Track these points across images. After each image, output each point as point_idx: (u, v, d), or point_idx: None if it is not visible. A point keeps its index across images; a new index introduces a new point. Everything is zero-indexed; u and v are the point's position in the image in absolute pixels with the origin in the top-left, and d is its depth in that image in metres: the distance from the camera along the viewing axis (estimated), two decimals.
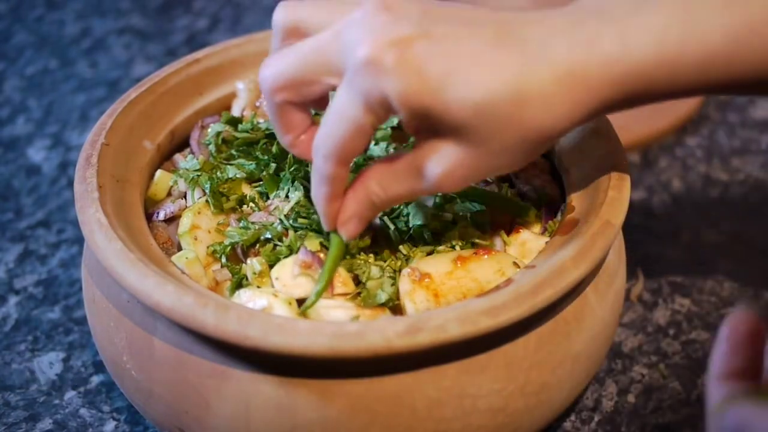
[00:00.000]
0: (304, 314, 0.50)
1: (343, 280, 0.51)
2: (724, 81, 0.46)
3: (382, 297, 0.51)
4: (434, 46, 0.43)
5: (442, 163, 0.46)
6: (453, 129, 0.44)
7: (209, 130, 0.62)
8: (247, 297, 0.51)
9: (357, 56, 0.43)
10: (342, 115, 0.45)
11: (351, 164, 0.48)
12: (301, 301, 0.51)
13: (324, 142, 0.46)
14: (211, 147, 0.61)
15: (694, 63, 0.45)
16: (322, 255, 0.52)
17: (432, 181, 0.47)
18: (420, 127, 0.45)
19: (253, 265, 0.53)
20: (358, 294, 0.52)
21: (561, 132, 0.46)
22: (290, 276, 0.52)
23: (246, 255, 0.55)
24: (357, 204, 0.49)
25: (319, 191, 0.48)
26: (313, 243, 0.52)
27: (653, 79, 0.45)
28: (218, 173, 0.58)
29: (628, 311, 0.67)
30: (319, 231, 0.54)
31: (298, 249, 0.53)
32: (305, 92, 0.48)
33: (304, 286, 0.51)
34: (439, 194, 0.56)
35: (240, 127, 0.62)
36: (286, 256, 0.53)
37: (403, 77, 0.43)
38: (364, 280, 0.52)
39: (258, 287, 0.52)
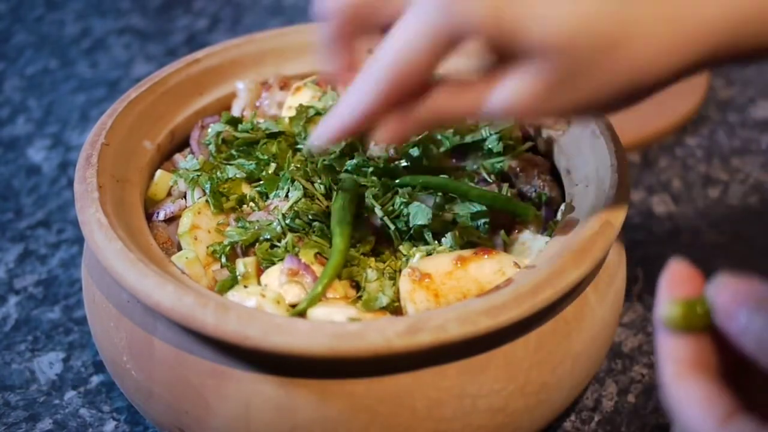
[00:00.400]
0: (303, 317, 0.50)
1: (332, 287, 0.51)
2: None
3: (384, 300, 0.51)
4: None
5: (515, 88, 0.41)
6: (539, 55, 0.40)
7: (209, 130, 0.62)
8: (236, 298, 0.51)
9: None
10: (410, 34, 0.41)
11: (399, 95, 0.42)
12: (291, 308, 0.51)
13: (384, 57, 0.41)
14: (211, 147, 0.61)
15: None
16: (314, 266, 0.52)
17: (498, 105, 0.42)
18: (497, 51, 0.41)
19: (238, 266, 0.53)
20: (359, 298, 0.52)
21: (652, 82, 0.41)
22: (278, 284, 0.52)
23: (246, 255, 0.55)
24: (402, 113, 0.43)
25: (358, 97, 0.43)
26: (307, 254, 0.52)
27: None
28: (218, 173, 0.58)
29: (628, 311, 0.67)
30: (316, 234, 0.54)
31: (296, 252, 0.53)
32: (370, 17, 0.43)
33: (292, 294, 0.51)
34: (440, 194, 0.57)
35: (240, 127, 0.62)
36: (281, 259, 0.53)
37: None
38: (363, 284, 0.52)
39: (245, 287, 0.52)
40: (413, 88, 0.42)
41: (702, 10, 0.40)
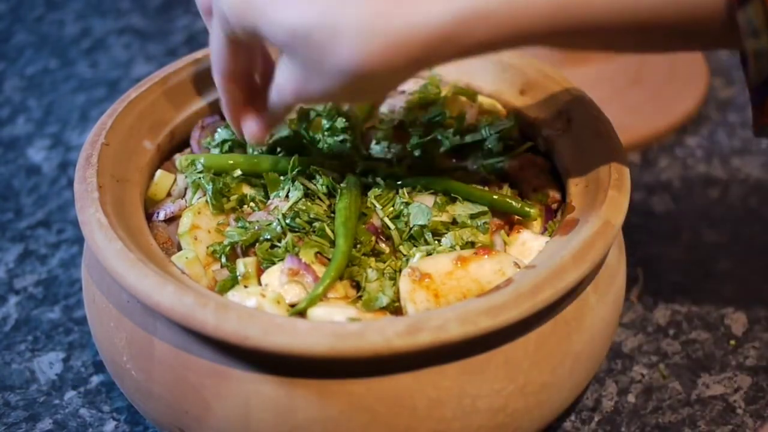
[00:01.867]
0: (303, 316, 0.50)
1: (333, 287, 0.51)
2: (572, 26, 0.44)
3: (384, 300, 0.51)
4: None
5: (281, 75, 0.50)
6: (280, 47, 0.48)
7: (215, 135, 0.62)
8: (236, 298, 0.50)
9: None
10: (213, 36, 0.52)
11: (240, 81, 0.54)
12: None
13: (212, 61, 0.54)
14: (215, 152, 0.61)
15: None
16: (315, 266, 0.52)
17: (274, 91, 0.51)
18: (255, 41, 0.50)
19: (238, 266, 0.53)
20: (359, 298, 0.52)
21: (380, 73, 0.46)
22: (278, 283, 0.52)
23: (246, 255, 0.55)
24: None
25: (222, 100, 0.56)
26: (308, 253, 0.52)
27: (489, 26, 0.44)
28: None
29: (628, 311, 0.67)
30: (317, 234, 0.54)
31: (296, 252, 0.53)
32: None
33: (293, 293, 0.51)
34: (440, 194, 0.57)
35: None
36: (281, 259, 0.53)
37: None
38: (363, 284, 0.52)
39: (245, 287, 0.52)
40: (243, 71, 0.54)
41: (401, 14, 0.44)
